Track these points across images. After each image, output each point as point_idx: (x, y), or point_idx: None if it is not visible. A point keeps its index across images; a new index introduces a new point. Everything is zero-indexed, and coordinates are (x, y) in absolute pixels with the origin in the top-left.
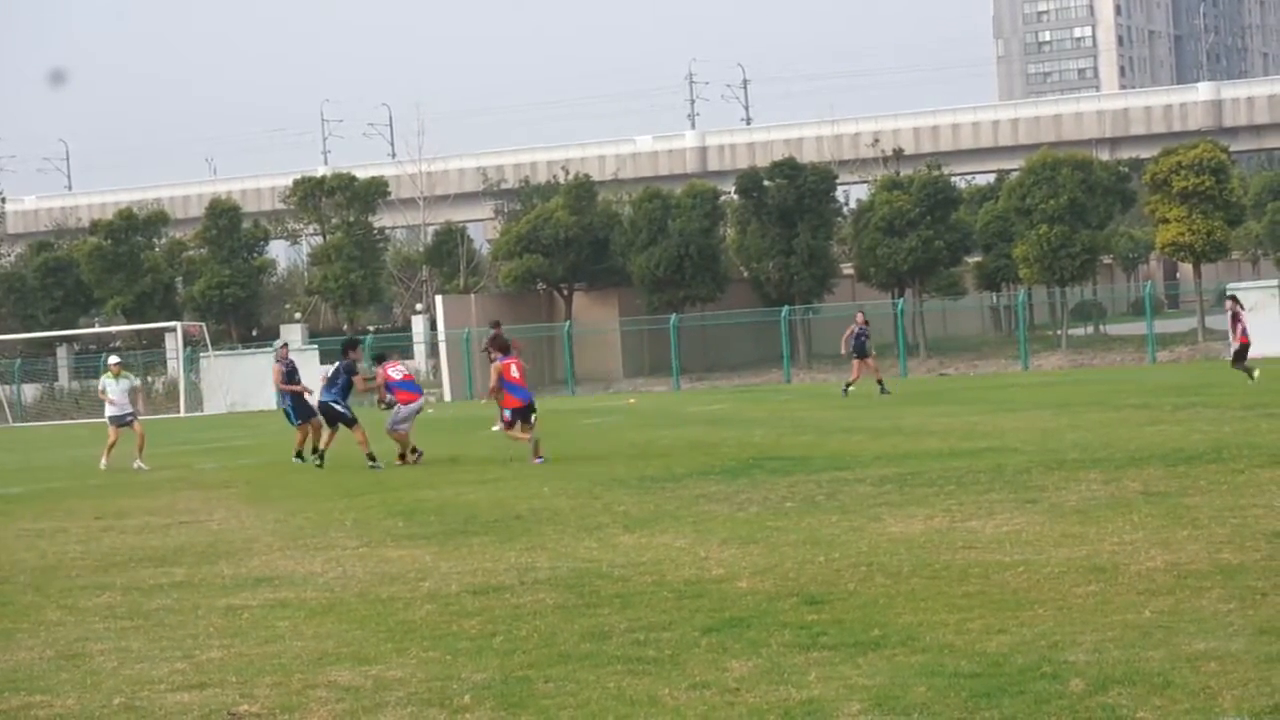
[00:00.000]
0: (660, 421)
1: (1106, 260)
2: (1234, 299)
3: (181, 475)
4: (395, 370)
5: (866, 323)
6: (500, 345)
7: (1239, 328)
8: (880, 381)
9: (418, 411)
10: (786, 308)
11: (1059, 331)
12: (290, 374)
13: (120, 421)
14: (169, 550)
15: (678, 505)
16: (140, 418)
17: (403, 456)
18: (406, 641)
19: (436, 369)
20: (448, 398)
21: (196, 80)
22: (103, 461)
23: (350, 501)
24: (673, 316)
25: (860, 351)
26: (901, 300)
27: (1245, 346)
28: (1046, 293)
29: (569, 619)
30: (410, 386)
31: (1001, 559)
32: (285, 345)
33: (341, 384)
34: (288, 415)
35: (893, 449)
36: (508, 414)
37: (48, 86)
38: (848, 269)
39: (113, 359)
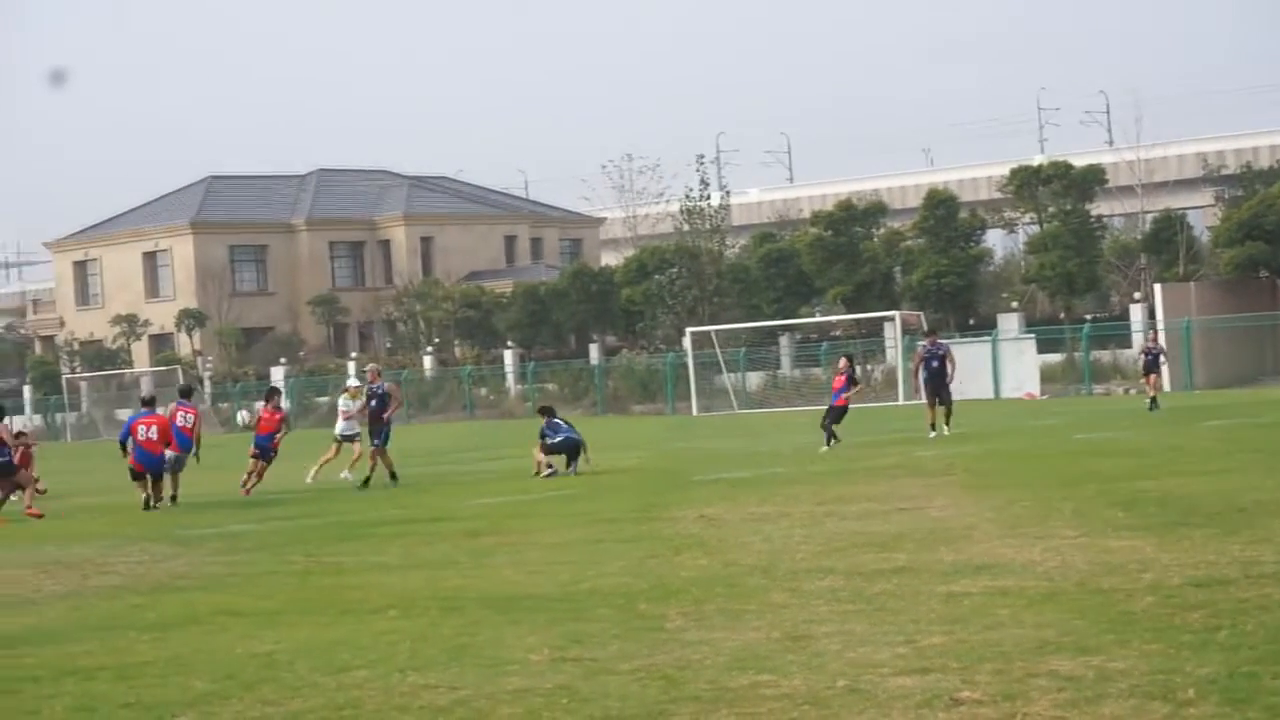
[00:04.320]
0: None
1: None
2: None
3: (900, 462)
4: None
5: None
6: (145, 402)
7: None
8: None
9: None
10: None
11: None
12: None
13: (348, 439)
14: (889, 536)
15: None
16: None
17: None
18: (1128, 633)
19: None
20: (1167, 387)
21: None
22: (311, 476)
23: (1069, 491)
24: None
25: None
26: None
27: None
28: None
29: None
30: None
31: None
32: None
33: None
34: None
35: None
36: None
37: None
38: None
39: (352, 381)
